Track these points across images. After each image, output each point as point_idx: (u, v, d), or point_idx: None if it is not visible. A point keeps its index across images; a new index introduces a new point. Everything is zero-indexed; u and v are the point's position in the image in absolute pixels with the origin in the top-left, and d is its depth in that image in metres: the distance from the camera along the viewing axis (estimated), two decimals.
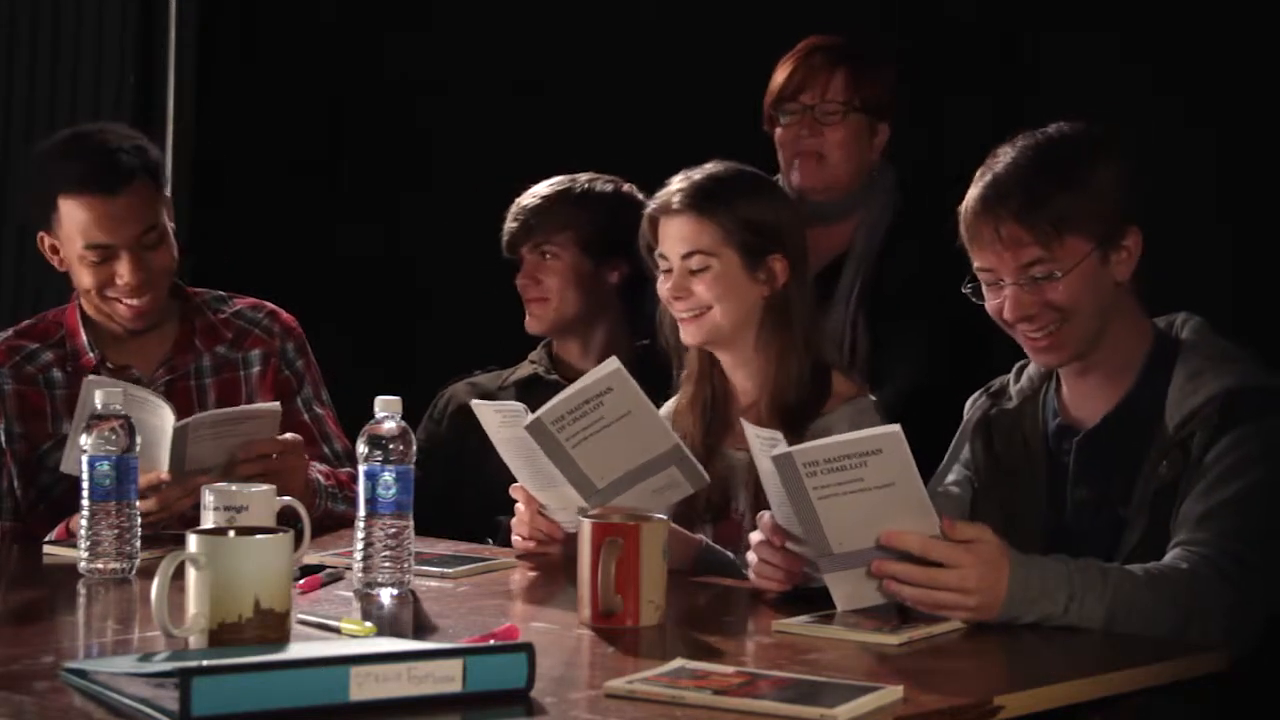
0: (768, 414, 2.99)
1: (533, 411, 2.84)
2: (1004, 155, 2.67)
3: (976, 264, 2.67)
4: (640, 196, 3.48)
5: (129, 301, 3.23)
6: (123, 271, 3.21)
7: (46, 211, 3.24)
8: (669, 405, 3.14)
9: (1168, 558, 2.53)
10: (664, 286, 3.06)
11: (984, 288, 2.68)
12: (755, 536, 2.64)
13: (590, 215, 3.59)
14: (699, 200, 3.02)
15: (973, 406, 2.87)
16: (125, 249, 3.20)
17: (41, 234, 3.28)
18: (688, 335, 3.06)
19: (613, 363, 2.80)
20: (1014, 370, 2.85)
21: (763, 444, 2.55)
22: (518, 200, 3.65)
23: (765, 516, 2.61)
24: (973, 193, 2.66)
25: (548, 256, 3.61)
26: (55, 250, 3.28)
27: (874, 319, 3.60)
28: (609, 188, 3.64)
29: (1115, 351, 2.69)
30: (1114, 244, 2.65)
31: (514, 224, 3.63)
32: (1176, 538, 2.55)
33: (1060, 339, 2.65)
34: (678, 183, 3.06)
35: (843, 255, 3.67)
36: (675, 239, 3.03)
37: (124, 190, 3.19)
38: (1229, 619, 2.47)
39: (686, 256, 3.02)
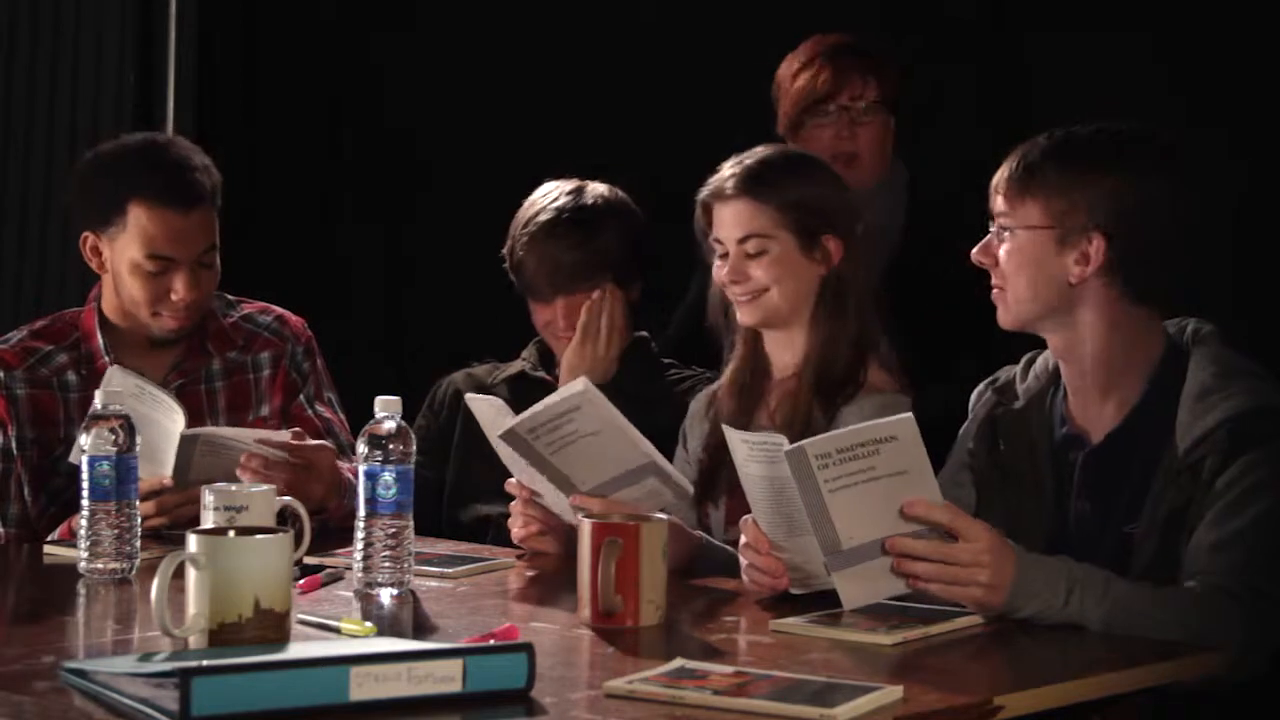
0: (806, 389, 3.04)
1: (517, 409, 2.85)
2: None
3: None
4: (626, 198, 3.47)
5: (175, 316, 3.25)
6: (178, 287, 3.22)
7: (108, 214, 3.23)
8: (711, 386, 3.20)
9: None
10: (720, 271, 3.09)
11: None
12: (741, 540, 2.65)
13: (620, 240, 3.43)
14: (753, 184, 3.06)
15: (978, 401, 2.85)
16: (185, 265, 3.22)
17: (87, 234, 3.27)
18: (745, 316, 3.09)
19: (580, 383, 2.79)
20: (1021, 364, 2.84)
21: (753, 449, 2.54)
22: (524, 235, 3.43)
23: (748, 521, 2.62)
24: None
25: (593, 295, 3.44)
26: (98, 252, 3.27)
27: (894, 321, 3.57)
28: (615, 203, 3.47)
29: (1104, 361, 2.67)
30: (1072, 240, 2.63)
31: (548, 276, 3.41)
32: (1189, 567, 2.53)
33: (1002, 297, 2.69)
34: (730, 168, 3.09)
35: None
36: (731, 223, 3.07)
37: (196, 209, 3.22)
38: (1238, 644, 2.44)
39: (743, 240, 3.06)
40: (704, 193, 3.11)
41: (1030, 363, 2.83)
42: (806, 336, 3.08)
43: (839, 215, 3.09)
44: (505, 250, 3.49)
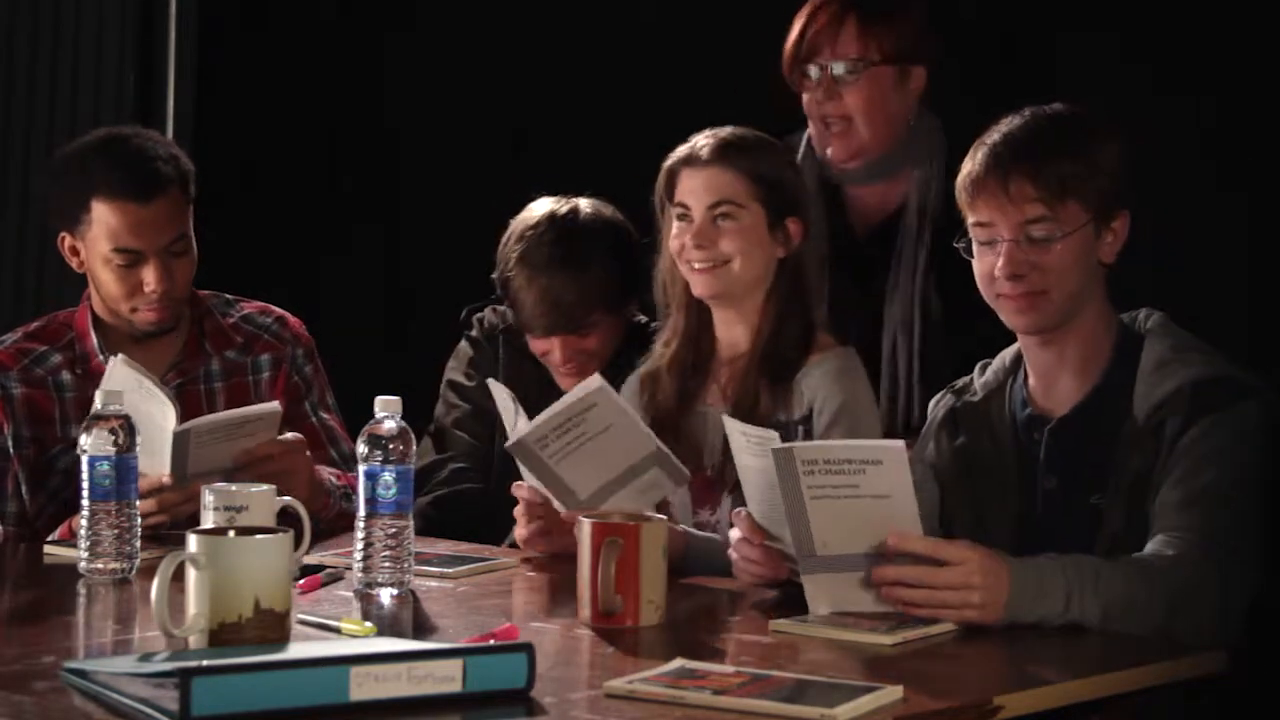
0: (756, 368, 3.03)
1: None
2: (1010, 121, 2.70)
3: (973, 219, 2.68)
4: (603, 208, 3.44)
5: (152, 308, 3.24)
6: (149, 279, 3.22)
7: (76, 212, 3.23)
8: (645, 366, 3.14)
9: (1150, 546, 2.55)
10: (681, 237, 3.04)
11: (975, 245, 2.69)
12: (734, 534, 2.66)
13: (612, 271, 3.38)
14: (730, 152, 3.04)
15: (936, 405, 2.88)
16: (153, 255, 3.22)
17: (63, 234, 3.28)
18: (701, 286, 3.05)
19: (596, 380, 2.82)
20: (977, 367, 2.86)
21: (749, 441, 2.56)
22: (516, 269, 3.38)
23: (742, 513, 2.64)
24: (980, 152, 2.68)
25: (589, 331, 3.41)
26: (75, 252, 3.27)
27: (948, 295, 3.33)
28: (602, 229, 3.41)
29: (1085, 340, 2.71)
30: (1106, 222, 2.68)
31: (544, 317, 3.36)
32: (1157, 525, 2.57)
33: (1040, 303, 2.66)
34: (705, 137, 3.07)
35: (894, 218, 3.44)
36: (702, 189, 3.04)
37: (158, 198, 3.21)
38: (1215, 605, 2.50)
39: (714, 206, 3.03)
40: (673, 159, 3.08)
41: (986, 365, 2.85)
42: (759, 316, 3.05)
43: (803, 200, 3.10)
44: (497, 276, 3.45)
